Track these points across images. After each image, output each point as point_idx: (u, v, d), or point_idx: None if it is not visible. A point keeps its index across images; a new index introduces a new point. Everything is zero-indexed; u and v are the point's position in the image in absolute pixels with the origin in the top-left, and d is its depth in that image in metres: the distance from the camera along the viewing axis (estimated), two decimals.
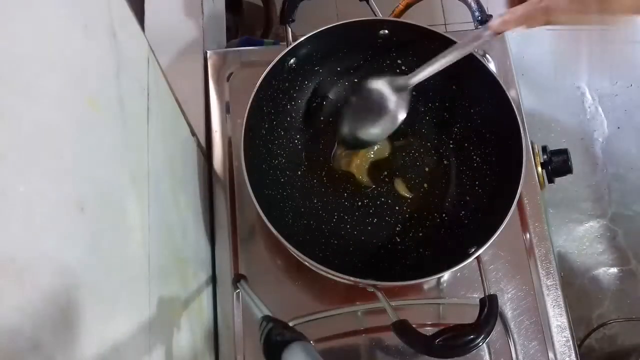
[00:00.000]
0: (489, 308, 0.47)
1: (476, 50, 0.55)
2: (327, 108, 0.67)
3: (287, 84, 0.63)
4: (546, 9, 0.45)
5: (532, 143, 0.67)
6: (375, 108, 0.61)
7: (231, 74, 0.71)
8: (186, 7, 0.73)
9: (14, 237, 0.23)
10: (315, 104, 0.67)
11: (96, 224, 0.31)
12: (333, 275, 0.52)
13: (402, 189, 0.64)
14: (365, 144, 0.64)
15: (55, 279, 0.26)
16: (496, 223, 0.52)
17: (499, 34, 0.51)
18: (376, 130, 0.62)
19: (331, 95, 0.67)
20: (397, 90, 0.60)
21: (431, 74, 0.57)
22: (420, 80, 0.58)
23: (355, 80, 0.66)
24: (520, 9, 0.47)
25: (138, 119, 0.41)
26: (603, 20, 0.44)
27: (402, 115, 0.60)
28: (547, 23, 0.46)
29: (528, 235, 0.64)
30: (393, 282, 0.54)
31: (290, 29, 0.62)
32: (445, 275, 0.63)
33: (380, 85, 0.60)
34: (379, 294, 0.51)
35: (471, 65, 0.59)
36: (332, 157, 0.66)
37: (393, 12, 0.76)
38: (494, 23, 0.50)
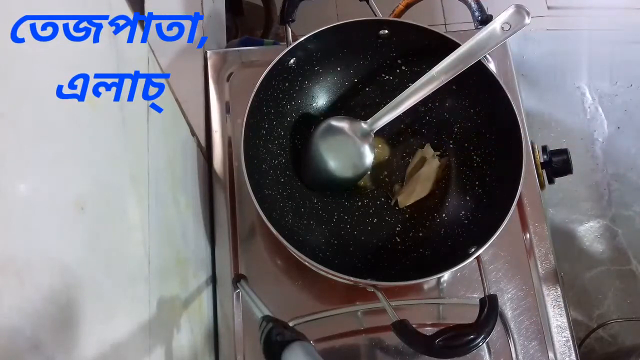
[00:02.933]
0: (489, 308, 0.47)
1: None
2: (328, 108, 0.67)
3: (287, 84, 0.63)
4: None
5: (532, 143, 0.67)
6: (341, 153, 0.61)
7: (231, 74, 0.71)
8: (186, 7, 0.73)
9: (14, 237, 0.23)
10: (315, 105, 0.67)
11: (96, 223, 0.31)
12: (333, 275, 0.52)
13: (402, 198, 0.64)
14: (334, 188, 0.64)
15: (55, 279, 0.26)
16: (496, 223, 0.52)
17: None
18: (344, 172, 0.62)
19: (331, 96, 0.67)
20: (361, 135, 0.61)
21: (394, 117, 0.58)
22: (383, 125, 0.59)
23: (321, 118, 0.66)
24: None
25: (138, 119, 0.41)
26: None
27: (369, 159, 0.61)
28: None
29: (528, 235, 0.64)
30: (393, 282, 0.54)
31: (290, 29, 0.62)
32: (445, 275, 0.63)
33: (343, 130, 0.61)
34: (379, 294, 0.51)
35: (471, 65, 0.59)
36: None
37: (393, 12, 0.76)
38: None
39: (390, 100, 0.59)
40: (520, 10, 0.53)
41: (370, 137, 0.61)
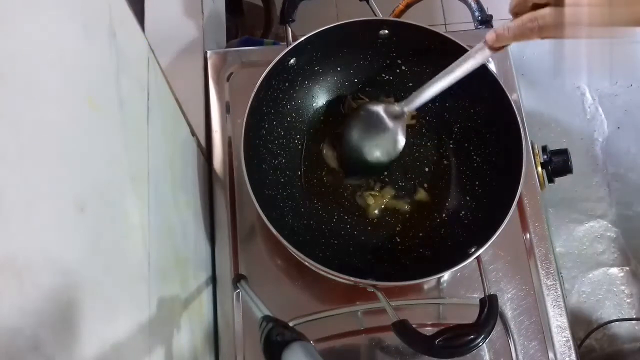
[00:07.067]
0: (489, 308, 0.47)
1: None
2: (327, 108, 0.67)
3: (287, 84, 0.63)
4: (539, 28, 0.44)
5: (532, 143, 0.67)
6: (374, 133, 0.61)
7: (231, 74, 0.71)
8: (186, 7, 0.73)
9: (14, 237, 0.23)
10: (315, 105, 0.67)
11: (96, 224, 0.31)
12: (333, 275, 0.52)
13: (399, 204, 0.64)
14: (367, 170, 0.64)
15: (55, 279, 0.26)
16: (496, 223, 0.52)
17: (497, 50, 0.51)
18: (377, 154, 0.62)
19: (331, 96, 0.67)
20: (394, 117, 0.60)
21: (427, 100, 0.57)
22: (417, 107, 0.58)
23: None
24: (513, 26, 0.47)
25: (138, 119, 0.41)
26: (599, 33, 0.43)
27: (401, 141, 0.61)
28: (542, 38, 0.45)
29: (528, 235, 0.64)
30: (393, 282, 0.54)
31: (290, 29, 0.62)
32: (445, 275, 0.63)
33: (377, 111, 0.61)
34: (379, 294, 0.51)
35: None
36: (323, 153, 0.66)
37: (393, 12, 0.76)
38: (489, 37, 0.50)
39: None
40: None
41: (403, 119, 0.60)
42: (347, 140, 0.62)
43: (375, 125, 0.61)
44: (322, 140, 0.66)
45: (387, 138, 0.61)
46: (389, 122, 0.61)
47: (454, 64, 0.54)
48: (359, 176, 0.65)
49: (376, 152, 0.62)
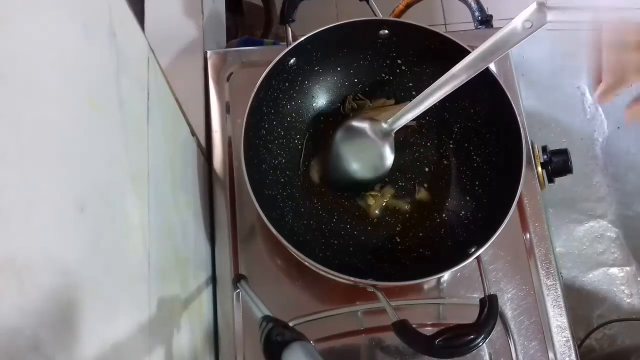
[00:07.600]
0: (489, 308, 0.47)
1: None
2: (328, 109, 0.67)
3: (287, 84, 0.63)
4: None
5: (532, 143, 0.67)
6: (361, 152, 0.61)
7: (231, 74, 0.71)
8: (186, 7, 0.73)
9: (14, 237, 0.23)
10: (315, 105, 0.67)
11: (96, 224, 0.31)
12: (333, 275, 0.52)
13: (399, 204, 0.64)
14: (354, 187, 0.64)
15: (55, 279, 0.26)
16: (496, 223, 0.52)
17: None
18: (365, 173, 0.62)
19: (331, 96, 0.67)
20: (382, 135, 0.60)
21: (414, 117, 0.58)
22: (403, 124, 0.59)
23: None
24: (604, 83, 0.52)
25: (138, 119, 0.41)
26: None
27: (389, 159, 0.61)
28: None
29: (528, 235, 0.64)
30: (393, 282, 0.54)
31: (290, 29, 0.62)
32: (445, 275, 0.63)
33: (363, 129, 0.61)
34: (379, 294, 0.51)
35: None
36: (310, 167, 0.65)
37: (393, 12, 0.76)
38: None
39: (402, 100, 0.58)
40: (542, 8, 0.51)
41: (391, 137, 0.60)
42: (333, 159, 0.62)
43: (361, 144, 0.61)
44: (322, 140, 0.66)
45: (374, 157, 0.61)
46: (377, 140, 0.61)
47: (439, 81, 0.54)
48: (345, 191, 0.64)
49: (363, 171, 0.62)
